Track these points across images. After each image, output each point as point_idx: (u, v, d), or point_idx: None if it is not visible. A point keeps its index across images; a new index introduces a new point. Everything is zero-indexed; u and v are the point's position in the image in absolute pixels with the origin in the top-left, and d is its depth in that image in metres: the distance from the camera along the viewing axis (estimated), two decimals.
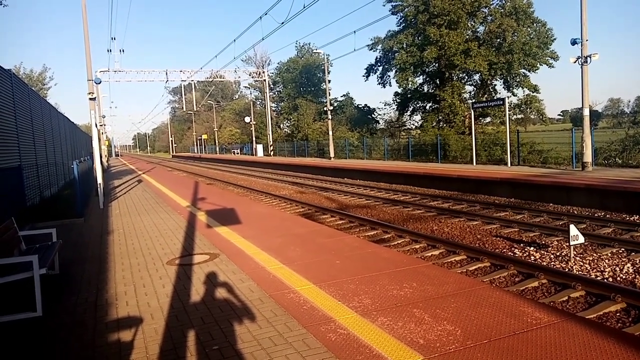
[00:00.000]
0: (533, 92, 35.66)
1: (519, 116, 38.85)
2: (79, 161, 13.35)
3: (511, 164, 22.48)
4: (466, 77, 38.42)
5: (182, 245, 8.13)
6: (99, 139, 15.50)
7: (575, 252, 8.45)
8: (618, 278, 7.28)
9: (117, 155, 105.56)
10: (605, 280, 7.15)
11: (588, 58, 17.54)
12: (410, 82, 38.29)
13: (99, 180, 14.79)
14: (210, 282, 5.80)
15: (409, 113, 44.18)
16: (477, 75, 36.93)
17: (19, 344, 4.30)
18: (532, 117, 41.17)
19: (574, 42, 17.78)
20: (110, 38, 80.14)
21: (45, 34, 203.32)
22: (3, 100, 10.79)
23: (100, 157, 17.21)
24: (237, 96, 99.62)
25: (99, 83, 19.26)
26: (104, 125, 40.46)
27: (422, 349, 3.69)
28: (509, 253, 8.87)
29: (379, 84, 44.15)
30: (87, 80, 15.63)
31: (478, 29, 36.92)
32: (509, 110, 26.31)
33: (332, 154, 38.50)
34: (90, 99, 15.38)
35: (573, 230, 8.03)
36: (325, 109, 41.02)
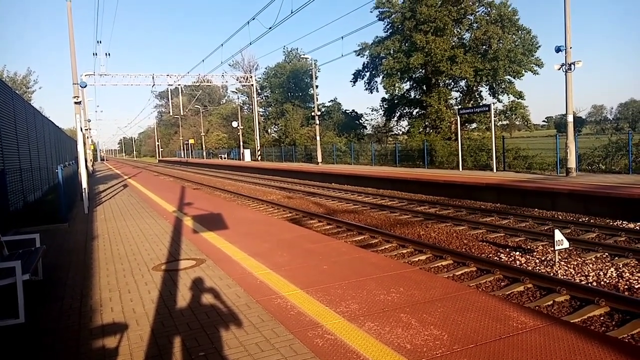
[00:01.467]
0: (518, 99, 36.10)
1: (505, 122, 39.25)
2: (64, 165, 13.19)
3: (497, 170, 22.69)
4: (452, 84, 38.76)
5: (168, 250, 8.06)
6: (84, 143, 15.36)
7: (560, 257, 8.55)
8: (602, 282, 7.38)
9: (102, 159, 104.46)
10: (589, 284, 7.24)
11: (572, 65, 17.80)
12: (397, 88, 38.55)
13: (84, 184, 14.63)
14: (197, 288, 5.75)
15: (396, 119, 44.45)
16: (463, 81, 37.29)
17: (1, 351, 4.22)
18: (517, 123, 41.59)
19: (558, 50, 18.04)
20: (96, 41, 79.49)
21: (29, 36, 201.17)
22: None
23: (85, 161, 17.04)
24: (224, 101, 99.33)
25: (85, 87, 19.10)
26: (89, 129, 40.02)
27: (409, 354, 3.70)
28: (495, 258, 8.94)
29: (366, 89, 44.42)
30: (72, 84, 15.49)
31: (464, 36, 37.35)
32: (494, 117, 26.60)
33: (319, 159, 38.52)
34: (76, 102, 15.25)
35: (558, 235, 8.12)
36: (312, 114, 41.07)
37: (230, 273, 6.34)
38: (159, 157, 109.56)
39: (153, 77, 51.87)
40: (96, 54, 61.39)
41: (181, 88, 69.26)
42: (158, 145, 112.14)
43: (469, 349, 3.75)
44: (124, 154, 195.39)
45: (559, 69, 18.10)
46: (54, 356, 4.07)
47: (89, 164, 35.01)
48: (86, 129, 33.74)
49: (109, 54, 50.55)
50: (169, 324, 4.62)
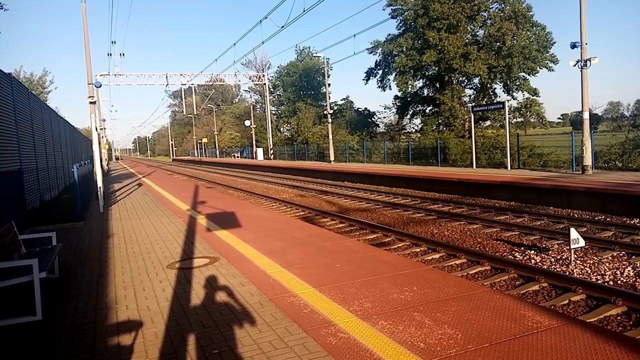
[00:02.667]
0: (533, 96, 35.75)
1: (519, 120, 38.93)
2: (79, 165, 13.35)
3: (511, 168, 22.49)
4: (466, 81, 38.52)
5: (182, 248, 8.12)
6: (99, 143, 15.53)
7: (575, 256, 8.45)
8: (619, 281, 7.28)
9: (117, 158, 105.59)
10: (606, 283, 7.14)
11: (588, 61, 17.57)
12: (410, 86, 38.39)
13: (99, 183, 14.80)
14: (210, 286, 5.79)
15: (409, 116, 44.32)
16: (477, 78, 37.01)
17: (19, 348, 4.29)
18: (532, 120, 41.22)
19: (573, 46, 17.82)
20: (110, 42, 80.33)
21: (45, 37, 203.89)
22: (3, 104, 10.79)
23: (101, 160, 17.23)
24: (237, 100, 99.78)
25: (99, 87, 19.32)
26: (104, 128, 40.46)
27: (422, 353, 3.68)
28: (510, 256, 8.86)
29: (379, 87, 44.34)
30: (87, 84, 15.68)
31: (477, 33, 37.06)
32: (508, 114, 26.35)
33: (332, 158, 38.52)
34: (91, 102, 15.43)
35: (573, 233, 8.03)
36: (325, 112, 41.07)
37: (244, 271, 6.37)
38: (173, 156, 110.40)
39: (167, 77, 52.32)
40: (111, 54, 61.94)
41: (194, 87, 69.57)
42: (172, 144, 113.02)
43: (483, 348, 3.72)
44: (138, 153, 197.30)
45: (575, 66, 17.87)
46: (70, 353, 4.12)
47: (104, 163, 35.39)
48: (101, 129, 34.12)
49: (123, 54, 50.86)
50: (183, 321, 4.66)
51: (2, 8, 23.45)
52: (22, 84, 15.26)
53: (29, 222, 10.59)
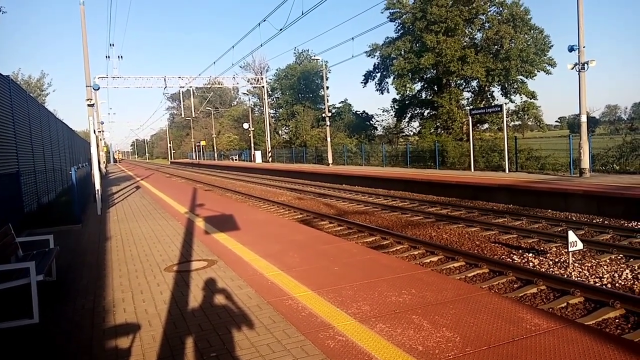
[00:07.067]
0: (530, 99, 35.83)
1: (517, 123, 38.96)
2: (77, 167, 13.33)
3: (509, 170, 22.52)
4: (464, 84, 38.55)
5: (180, 251, 8.10)
6: (97, 145, 15.51)
7: (574, 259, 8.45)
8: (617, 284, 7.28)
9: (115, 161, 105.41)
10: (604, 286, 7.15)
11: (585, 65, 17.61)
12: (408, 89, 38.45)
13: (97, 186, 14.77)
14: (208, 289, 5.77)
15: (407, 119, 44.30)
16: (475, 81, 37.08)
17: (15, 351, 4.27)
18: (529, 123, 41.25)
19: (571, 49, 17.86)
20: (108, 44, 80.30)
21: (43, 40, 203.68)
22: (1, 106, 10.78)
23: (99, 163, 17.19)
24: (235, 102, 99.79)
25: (97, 89, 19.32)
26: (103, 131, 40.39)
27: (421, 356, 3.68)
28: (508, 259, 8.86)
29: (377, 90, 44.37)
30: (85, 86, 15.67)
31: (476, 36, 37.14)
32: (506, 117, 26.40)
33: (330, 160, 38.51)
34: (89, 105, 15.43)
35: (571, 236, 8.04)
36: (323, 115, 41.09)
37: (242, 274, 6.35)
38: (171, 158, 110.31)
39: (165, 80, 52.27)
40: (109, 57, 61.74)
41: (193, 90, 69.52)
42: (170, 147, 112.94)
43: (481, 351, 3.72)
44: (136, 156, 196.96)
45: (572, 69, 17.91)
46: (68, 356, 4.11)
47: (102, 166, 35.34)
48: (99, 131, 34.07)
49: (122, 57, 50.50)
50: (180, 324, 4.65)
51: (0, 11, 23.45)
52: (20, 87, 15.24)
53: (26, 225, 10.56)
